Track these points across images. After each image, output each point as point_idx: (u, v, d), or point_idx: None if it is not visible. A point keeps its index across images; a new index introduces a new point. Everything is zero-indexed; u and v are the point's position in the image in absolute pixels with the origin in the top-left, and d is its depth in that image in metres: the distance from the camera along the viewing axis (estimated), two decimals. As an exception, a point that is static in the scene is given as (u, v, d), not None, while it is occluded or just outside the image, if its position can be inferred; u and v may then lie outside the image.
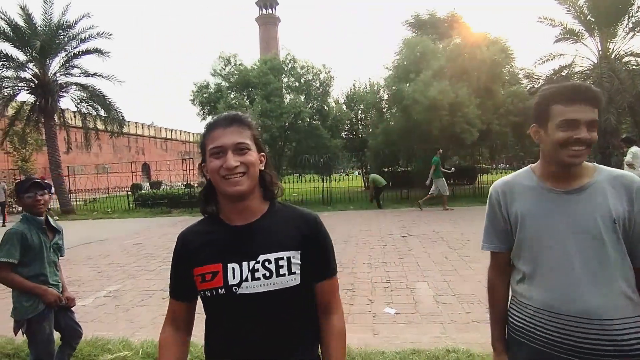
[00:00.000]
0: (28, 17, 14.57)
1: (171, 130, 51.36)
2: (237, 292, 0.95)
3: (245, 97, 14.74)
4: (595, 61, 15.08)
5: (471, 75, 13.34)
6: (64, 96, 16.32)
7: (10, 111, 16.28)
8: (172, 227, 10.80)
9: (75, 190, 18.41)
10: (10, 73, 14.85)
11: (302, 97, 14.98)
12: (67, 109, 17.95)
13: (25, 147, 21.19)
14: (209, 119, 15.11)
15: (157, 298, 4.51)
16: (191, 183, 18.54)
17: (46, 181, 2.54)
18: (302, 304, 1.02)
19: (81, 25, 15.28)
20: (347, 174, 23.77)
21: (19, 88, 15.44)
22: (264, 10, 72.28)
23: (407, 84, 13.34)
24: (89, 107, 16.78)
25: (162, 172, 33.21)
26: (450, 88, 12.33)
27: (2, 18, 14.03)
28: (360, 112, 19.38)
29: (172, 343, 1.05)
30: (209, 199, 1.05)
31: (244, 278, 0.95)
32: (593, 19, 14.68)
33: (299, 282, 0.99)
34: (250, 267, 0.96)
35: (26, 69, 15.06)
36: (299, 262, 1.00)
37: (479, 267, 5.03)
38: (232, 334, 0.98)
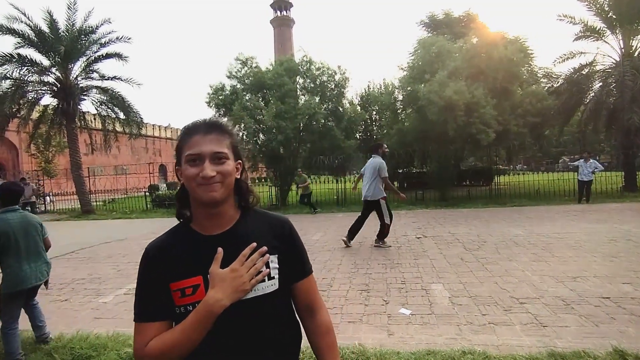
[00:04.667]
0: (52, 23, 15.03)
1: (187, 132, 52.13)
2: None
3: (260, 99, 14.86)
4: (618, 59, 14.68)
5: (488, 75, 13.16)
6: (85, 99, 16.78)
7: (34, 115, 16.82)
8: (188, 227, 10.98)
9: (95, 191, 18.89)
10: (34, 77, 15.36)
11: (317, 99, 15.02)
12: (88, 112, 18.41)
13: (49, 150, 21.85)
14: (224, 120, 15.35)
15: (175, 296, 4.60)
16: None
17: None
18: (281, 309, 1.02)
19: (102, 30, 15.70)
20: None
21: (43, 92, 15.96)
22: (278, 13, 72.85)
23: (422, 85, 13.26)
24: (109, 110, 17.19)
25: (179, 173, 33.71)
26: (467, 88, 12.20)
27: (28, 25, 14.54)
28: (374, 113, 19.33)
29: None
30: (183, 203, 1.02)
31: None
32: (615, 16, 14.31)
33: (277, 287, 0.99)
34: None
35: (49, 73, 15.54)
36: (277, 266, 1.00)
37: (495, 268, 4.97)
38: (215, 347, 0.92)
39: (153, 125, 44.09)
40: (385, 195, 6.55)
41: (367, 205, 6.65)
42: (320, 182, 15.90)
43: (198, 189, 0.92)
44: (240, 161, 1.02)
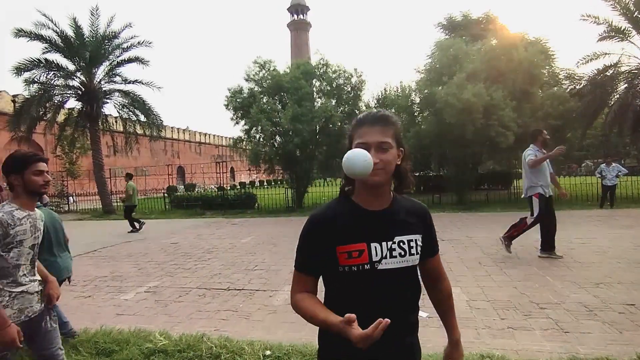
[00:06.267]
0: (77, 29, 15.56)
1: (205, 135, 52.95)
2: (378, 268, 1.11)
3: (278, 102, 14.99)
4: (644, 60, 14.23)
5: (507, 77, 12.93)
6: (108, 102, 17.30)
7: (60, 117, 17.39)
8: (206, 228, 11.14)
9: (116, 191, 19.37)
10: (60, 81, 15.91)
11: (333, 101, 15.05)
12: (110, 115, 18.93)
13: (73, 151, 22.58)
14: (242, 123, 15.53)
15: (194, 295, 4.69)
16: (224, 186, 19.04)
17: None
18: (416, 276, 1.22)
19: (124, 35, 16.18)
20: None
21: (68, 96, 16.52)
22: (295, 17, 73.34)
23: (440, 87, 13.11)
24: (130, 113, 17.64)
25: (197, 174, 34.29)
26: (485, 91, 12.01)
27: (54, 31, 15.09)
28: (391, 115, 19.18)
29: (310, 297, 1.16)
30: (349, 181, 1.19)
31: (384, 255, 1.11)
32: (640, 16, 13.88)
33: (418, 260, 1.19)
34: (389, 247, 1.12)
35: (74, 77, 16.07)
36: (421, 244, 1.19)
37: (514, 273, 4.89)
38: (371, 303, 1.11)
39: (172, 127, 44.89)
40: (539, 191, 5.44)
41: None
42: (336, 184, 15.89)
43: None
44: (402, 148, 1.17)
